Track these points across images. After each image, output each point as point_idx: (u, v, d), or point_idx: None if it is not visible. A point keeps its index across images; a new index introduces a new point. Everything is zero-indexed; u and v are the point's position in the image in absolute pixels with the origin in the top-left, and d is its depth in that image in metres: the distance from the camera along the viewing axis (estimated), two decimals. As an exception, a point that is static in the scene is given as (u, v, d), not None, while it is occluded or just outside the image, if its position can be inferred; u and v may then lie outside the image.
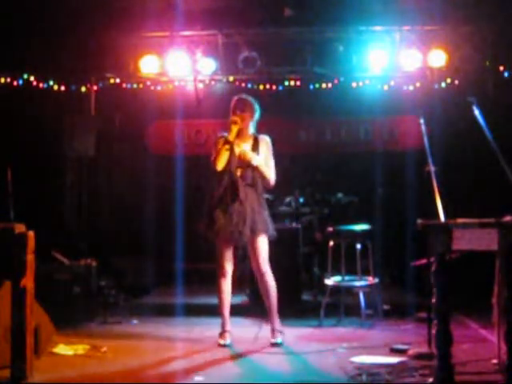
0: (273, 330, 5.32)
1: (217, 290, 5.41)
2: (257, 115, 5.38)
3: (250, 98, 5.38)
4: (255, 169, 5.26)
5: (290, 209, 7.50)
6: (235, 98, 5.40)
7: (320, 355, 4.96)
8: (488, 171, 5.42)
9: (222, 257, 5.32)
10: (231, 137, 5.22)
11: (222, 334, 5.33)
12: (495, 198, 5.71)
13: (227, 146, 5.21)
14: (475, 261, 4.80)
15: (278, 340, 5.26)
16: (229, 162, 5.24)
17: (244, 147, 5.31)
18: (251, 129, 5.39)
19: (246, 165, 5.25)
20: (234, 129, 5.23)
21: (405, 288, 7.23)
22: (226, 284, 5.36)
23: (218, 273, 5.37)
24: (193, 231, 8.18)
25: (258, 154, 5.30)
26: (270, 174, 5.32)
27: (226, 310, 5.38)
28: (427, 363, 4.43)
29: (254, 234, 5.21)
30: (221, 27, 7.90)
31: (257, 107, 5.37)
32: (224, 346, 5.23)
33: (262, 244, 5.26)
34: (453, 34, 7.71)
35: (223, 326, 5.36)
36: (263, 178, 5.30)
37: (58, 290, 6.20)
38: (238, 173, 5.26)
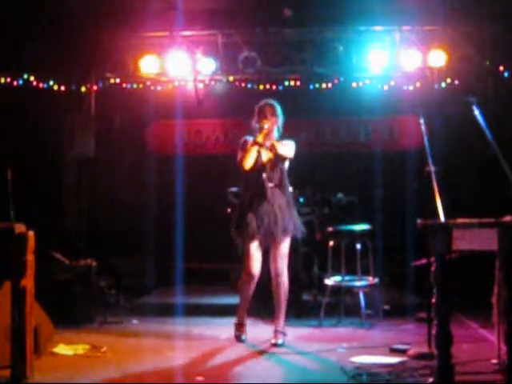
0: (276, 331, 5.36)
1: (240, 291, 5.49)
2: (281, 120, 5.52)
3: (277, 104, 5.52)
4: (281, 160, 5.37)
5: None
6: (264, 102, 5.53)
7: (320, 355, 4.96)
8: (488, 171, 5.42)
9: (251, 260, 5.33)
10: (260, 138, 5.33)
11: (239, 326, 5.49)
12: (495, 198, 5.71)
13: (256, 147, 5.32)
14: (475, 261, 4.80)
15: (280, 341, 5.30)
16: (256, 165, 5.35)
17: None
18: (276, 133, 5.51)
19: (273, 163, 5.37)
20: (265, 131, 5.35)
21: (405, 288, 7.23)
22: (251, 286, 5.39)
23: (246, 276, 5.38)
24: (192, 231, 8.28)
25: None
26: (286, 148, 5.41)
27: (246, 308, 5.52)
28: (427, 363, 4.44)
29: (283, 234, 5.31)
30: (221, 27, 7.90)
31: (281, 113, 5.51)
32: (239, 337, 5.42)
33: (286, 245, 5.37)
34: (453, 34, 7.71)
35: (241, 319, 5.49)
36: (279, 153, 5.36)
37: (58, 290, 6.19)
38: (265, 175, 5.36)
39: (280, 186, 5.40)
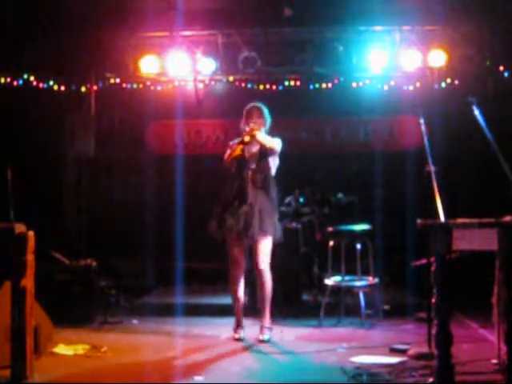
0: (262, 327, 5.46)
1: (230, 290, 5.57)
2: (268, 123, 5.62)
3: (264, 107, 5.64)
4: (261, 144, 5.45)
5: (290, 209, 7.49)
6: (250, 105, 5.65)
7: (320, 355, 4.96)
8: (488, 171, 5.42)
9: (233, 259, 5.47)
10: (246, 138, 5.46)
11: (237, 329, 5.54)
12: (495, 198, 5.71)
13: (241, 146, 5.45)
14: (475, 261, 4.80)
15: (266, 337, 5.40)
16: (240, 166, 5.46)
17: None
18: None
19: (258, 165, 5.48)
20: (251, 133, 5.47)
21: (405, 288, 7.23)
22: (239, 286, 5.52)
23: (230, 274, 5.51)
24: (192, 231, 8.27)
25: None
26: (272, 141, 5.50)
27: (241, 308, 5.57)
28: (427, 363, 4.43)
29: (259, 234, 5.38)
30: (221, 27, 7.90)
31: (269, 115, 5.63)
32: (240, 340, 5.43)
33: (265, 244, 5.44)
34: (453, 34, 7.71)
35: (238, 321, 5.54)
36: (267, 147, 5.46)
37: (57, 290, 6.19)
38: (249, 176, 5.46)
39: (263, 188, 5.48)
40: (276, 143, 5.52)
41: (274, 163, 5.58)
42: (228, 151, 5.53)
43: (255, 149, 5.54)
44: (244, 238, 5.40)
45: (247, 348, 5.22)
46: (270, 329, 5.49)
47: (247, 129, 5.50)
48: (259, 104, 5.64)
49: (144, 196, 8.74)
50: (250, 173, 5.47)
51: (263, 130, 5.57)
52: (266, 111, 5.61)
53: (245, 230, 5.36)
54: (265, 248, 5.44)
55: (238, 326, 5.54)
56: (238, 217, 5.38)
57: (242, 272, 5.53)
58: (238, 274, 5.51)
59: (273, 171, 5.57)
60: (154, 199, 8.70)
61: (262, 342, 5.35)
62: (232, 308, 5.63)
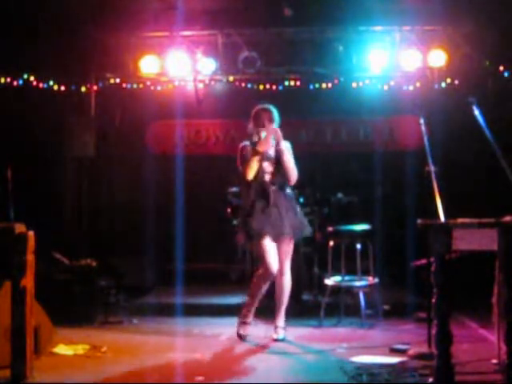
0: (277, 327, 5.46)
1: (254, 287, 5.45)
2: (278, 124, 5.54)
3: (274, 108, 5.55)
4: (282, 164, 5.40)
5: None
6: (261, 107, 5.54)
7: (320, 355, 4.96)
8: (488, 171, 5.43)
9: (270, 257, 5.33)
10: (261, 147, 5.38)
11: (243, 325, 5.51)
12: (495, 197, 5.71)
13: (258, 157, 5.38)
14: (475, 261, 4.80)
15: (281, 336, 5.41)
16: (258, 172, 5.41)
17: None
18: (272, 139, 5.52)
19: (275, 166, 5.43)
20: (269, 139, 5.41)
21: (405, 288, 7.23)
22: (266, 287, 5.42)
23: (263, 273, 5.35)
24: (192, 231, 8.28)
25: None
26: (295, 171, 5.48)
27: (255, 305, 5.52)
28: (427, 363, 4.43)
29: (290, 234, 5.40)
30: (221, 27, 7.90)
31: (278, 117, 5.55)
32: (244, 337, 5.44)
33: (290, 246, 5.48)
34: (453, 34, 7.71)
35: (246, 317, 5.50)
36: (288, 173, 5.43)
37: (58, 290, 6.19)
38: (267, 179, 5.44)
39: (282, 188, 5.47)
40: (296, 174, 5.46)
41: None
42: (239, 161, 5.42)
43: (271, 151, 5.47)
44: (276, 237, 5.36)
45: (247, 348, 5.22)
46: (285, 328, 5.49)
47: (262, 136, 5.39)
48: (269, 106, 5.54)
49: (144, 196, 8.73)
50: (268, 176, 5.44)
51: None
52: (276, 114, 5.51)
53: (276, 229, 5.32)
54: (289, 249, 5.46)
55: (246, 322, 5.49)
56: (266, 216, 5.32)
57: (275, 272, 5.36)
58: (271, 274, 5.33)
59: (294, 170, 5.48)
60: (154, 199, 8.69)
61: (277, 340, 5.37)
62: (244, 306, 5.53)
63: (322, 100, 8.62)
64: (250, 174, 5.38)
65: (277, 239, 5.39)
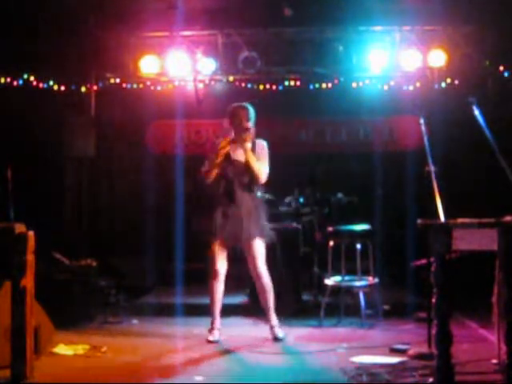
0: (272, 327, 5.46)
1: (209, 290, 5.50)
2: (253, 123, 5.51)
3: (251, 107, 5.52)
4: (248, 167, 5.35)
5: (290, 209, 7.49)
6: (237, 105, 5.53)
7: (320, 355, 4.96)
8: (488, 171, 5.43)
9: (216, 258, 5.42)
10: (223, 150, 5.35)
11: (211, 331, 5.44)
12: (495, 197, 5.71)
13: (220, 159, 5.34)
14: (475, 261, 4.80)
15: (280, 334, 5.42)
16: (226, 168, 5.39)
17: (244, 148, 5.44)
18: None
19: (242, 169, 5.38)
20: (224, 143, 5.39)
21: (405, 288, 7.23)
22: (219, 285, 5.46)
23: (211, 274, 5.46)
24: (192, 231, 8.27)
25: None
26: (260, 169, 5.39)
27: (217, 310, 5.48)
28: (427, 363, 4.43)
29: (250, 237, 5.37)
30: (221, 27, 7.90)
31: (254, 115, 5.52)
32: (213, 342, 5.33)
33: (258, 247, 5.42)
34: (453, 34, 7.71)
35: (213, 323, 5.47)
36: (253, 172, 5.37)
37: (57, 290, 6.19)
38: (235, 178, 5.41)
39: (249, 189, 5.44)
40: (264, 173, 5.40)
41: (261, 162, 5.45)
42: (209, 162, 5.43)
43: (240, 152, 5.44)
44: (233, 240, 5.37)
45: (247, 348, 5.22)
46: (280, 326, 5.51)
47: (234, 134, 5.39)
48: (247, 105, 5.52)
49: (144, 196, 8.74)
50: (236, 175, 5.41)
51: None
52: (252, 112, 5.49)
53: (234, 232, 5.33)
54: (258, 250, 5.41)
55: (214, 328, 5.43)
56: (226, 218, 5.35)
57: (224, 272, 5.45)
58: (221, 273, 5.42)
59: (263, 169, 5.41)
60: (154, 199, 8.70)
61: (277, 339, 5.38)
62: (211, 306, 5.48)
63: (322, 100, 8.62)
64: (210, 179, 5.40)
65: (238, 243, 5.40)
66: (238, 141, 5.40)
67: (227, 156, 5.40)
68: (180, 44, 7.95)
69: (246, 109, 5.49)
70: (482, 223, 3.81)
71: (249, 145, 5.43)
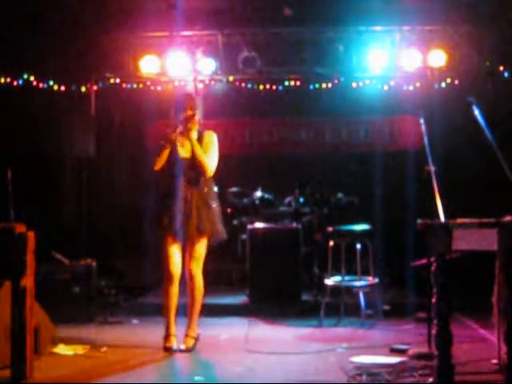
0: (186, 335, 5.19)
1: (162, 293, 5.25)
2: (199, 113, 5.39)
3: (195, 97, 5.45)
4: (194, 159, 5.16)
5: (290, 209, 7.50)
6: (182, 94, 5.49)
7: (320, 355, 4.96)
8: (488, 171, 5.42)
9: (170, 258, 5.17)
10: (173, 137, 5.15)
11: (167, 338, 5.13)
12: (495, 197, 5.70)
13: (168, 148, 5.14)
14: (475, 261, 4.80)
15: (189, 345, 5.10)
16: (173, 163, 5.18)
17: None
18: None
19: (191, 162, 5.17)
20: (190, 138, 5.19)
21: (405, 288, 7.23)
22: (173, 288, 5.18)
23: (165, 276, 5.19)
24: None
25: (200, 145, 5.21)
26: (208, 161, 5.16)
27: (173, 315, 5.20)
28: (427, 363, 4.43)
29: (197, 233, 5.12)
30: (221, 27, 7.90)
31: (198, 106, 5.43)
32: (170, 349, 5.03)
33: (200, 246, 5.18)
34: (453, 34, 7.71)
35: (168, 329, 5.16)
36: (199, 164, 5.15)
37: (57, 290, 6.20)
38: (182, 172, 5.18)
39: (198, 185, 5.21)
40: (211, 166, 5.18)
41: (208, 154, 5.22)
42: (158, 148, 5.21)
43: (188, 145, 5.21)
44: (182, 237, 5.11)
45: (247, 348, 5.21)
46: (196, 338, 5.18)
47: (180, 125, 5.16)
48: (191, 93, 5.43)
49: (144, 196, 8.73)
50: (183, 169, 5.16)
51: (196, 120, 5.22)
52: (197, 102, 5.36)
53: (180, 229, 5.07)
54: (200, 249, 5.17)
55: (170, 334, 5.12)
56: (173, 214, 5.07)
57: (179, 273, 5.18)
58: (175, 275, 5.15)
59: (210, 161, 5.19)
60: (154, 199, 8.68)
61: (183, 351, 5.02)
62: (165, 311, 5.22)
63: (322, 100, 8.62)
64: (158, 164, 5.16)
65: (184, 240, 5.15)
66: (184, 130, 5.15)
67: (174, 148, 5.16)
68: (180, 44, 7.95)
69: (190, 97, 5.41)
70: (482, 223, 3.81)
71: (195, 134, 5.22)
